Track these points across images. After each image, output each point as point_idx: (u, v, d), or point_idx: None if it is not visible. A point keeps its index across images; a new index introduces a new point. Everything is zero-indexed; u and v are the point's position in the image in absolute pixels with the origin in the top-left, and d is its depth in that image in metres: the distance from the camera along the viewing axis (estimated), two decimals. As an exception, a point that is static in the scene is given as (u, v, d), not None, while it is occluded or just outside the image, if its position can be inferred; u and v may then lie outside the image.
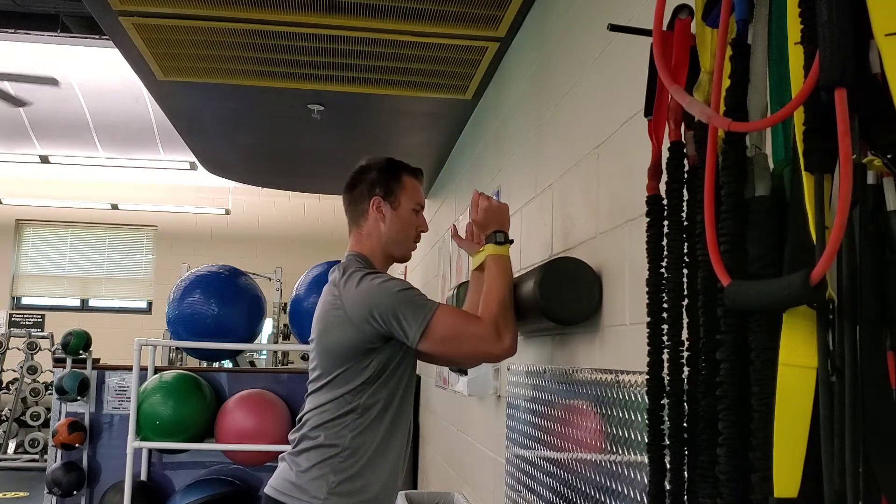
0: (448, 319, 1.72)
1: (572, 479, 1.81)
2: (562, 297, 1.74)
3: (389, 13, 2.76)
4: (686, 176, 1.06)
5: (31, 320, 8.86)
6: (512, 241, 1.90)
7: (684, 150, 1.07)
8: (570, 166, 2.03)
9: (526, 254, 2.44)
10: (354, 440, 1.74)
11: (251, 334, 4.32)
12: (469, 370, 2.74)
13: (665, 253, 1.08)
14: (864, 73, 0.73)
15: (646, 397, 1.09)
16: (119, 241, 10.86)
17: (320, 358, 1.81)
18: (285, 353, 7.95)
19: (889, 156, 0.74)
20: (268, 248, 10.38)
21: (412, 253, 1.97)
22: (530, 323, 1.89)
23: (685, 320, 1.03)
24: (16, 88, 6.74)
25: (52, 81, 6.72)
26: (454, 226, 2.15)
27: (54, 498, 3.77)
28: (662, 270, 1.08)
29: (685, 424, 1.01)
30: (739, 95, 0.89)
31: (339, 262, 1.90)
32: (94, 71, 6.73)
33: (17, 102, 6.64)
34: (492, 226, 1.88)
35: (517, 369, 2.44)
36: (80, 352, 3.85)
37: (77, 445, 3.76)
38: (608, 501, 1.56)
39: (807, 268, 0.72)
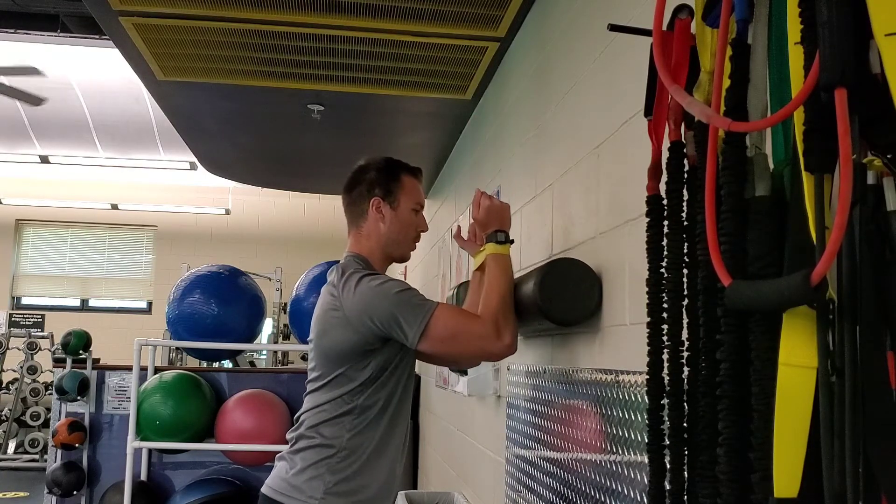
0: (447, 319, 1.72)
1: (572, 479, 1.81)
2: (562, 299, 1.74)
3: (389, 13, 2.76)
4: (686, 176, 1.06)
5: (31, 320, 8.88)
6: (513, 241, 1.90)
7: (684, 150, 1.07)
8: (570, 166, 2.03)
9: (526, 254, 2.44)
10: (352, 440, 1.74)
11: (251, 334, 4.32)
12: (469, 370, 2.74)
13: (665, 253, 1.08)
14: (864, 73, 0.73)
15: (646, 397, 1.09)
16: (119, 241, 10.86)
17: (319, 359, 1.81)
18: (285, 353, 7.95)
19: (889, 156, 0.74)
20: (268, 248, 10.38)
21: (411, 253, 1.97)
22: (531, 324, 1.89)
23: (685, 320, 1.03)
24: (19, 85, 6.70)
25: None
26: (458, 226, 2.16)
27: (54, 498, 3.77)
28: (662, 270, 1.08)
29: (685, 424, 1.01)
30: (739, 95, 0.89)
31: (338, 262, 1.90)
32: (94, 71, 6.74)
33: (34, 101, 6.56)
34: (493, 225, 1.88)
35: (517, 369, 2.44)
36: (80, 352, 3.85)
37: (77, 445, 3.75)
38: (608, 501, 1.56)
39: (807, 268, 0.72)
